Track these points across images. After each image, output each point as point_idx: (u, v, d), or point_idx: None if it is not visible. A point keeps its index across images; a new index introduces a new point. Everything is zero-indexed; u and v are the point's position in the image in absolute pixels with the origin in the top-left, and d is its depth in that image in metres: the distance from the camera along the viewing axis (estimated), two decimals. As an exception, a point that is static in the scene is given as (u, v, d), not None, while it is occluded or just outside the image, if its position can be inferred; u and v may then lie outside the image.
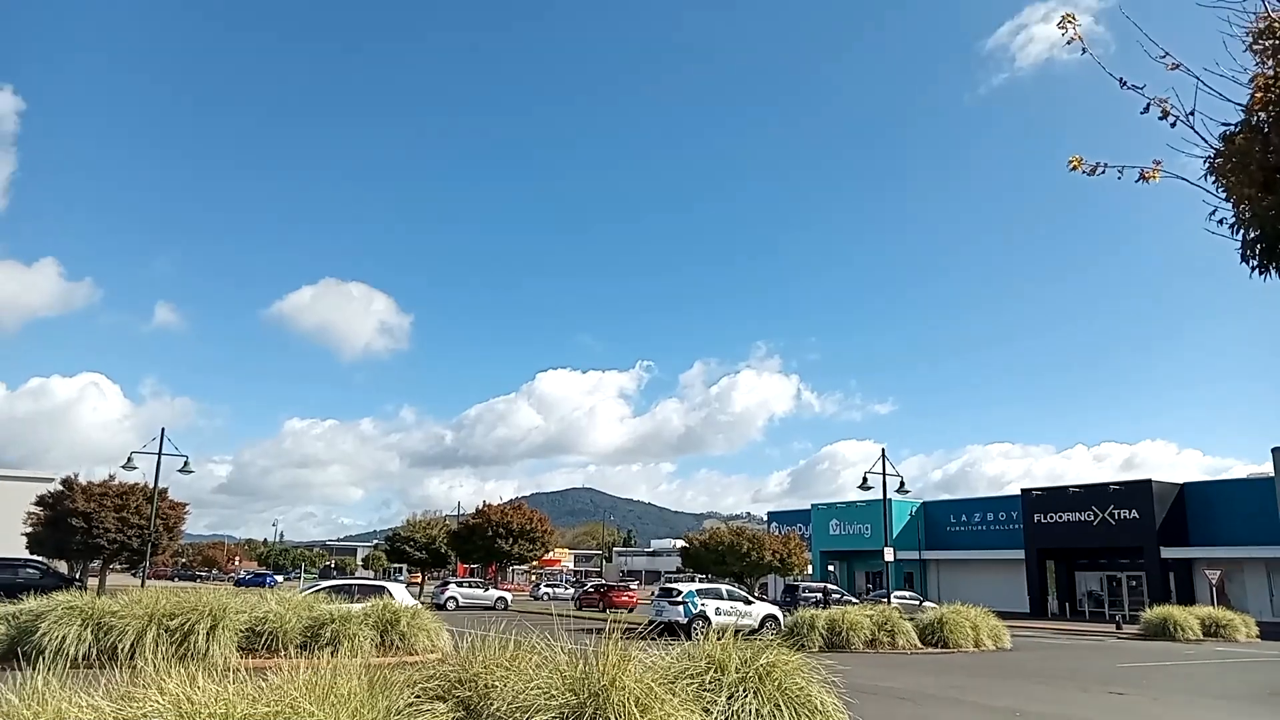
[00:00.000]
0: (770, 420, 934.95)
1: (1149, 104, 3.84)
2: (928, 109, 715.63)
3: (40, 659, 12.71)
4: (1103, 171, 3.99)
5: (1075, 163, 4.06)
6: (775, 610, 30.76)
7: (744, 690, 6.98)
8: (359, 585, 25.17)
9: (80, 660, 14.34)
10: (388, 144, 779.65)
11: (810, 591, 41.39)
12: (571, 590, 66.55)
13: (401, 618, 18.35)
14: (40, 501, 42.17)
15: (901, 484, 34.80)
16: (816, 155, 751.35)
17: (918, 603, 43.14)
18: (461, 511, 71.85)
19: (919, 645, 25.30)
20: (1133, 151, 4.55)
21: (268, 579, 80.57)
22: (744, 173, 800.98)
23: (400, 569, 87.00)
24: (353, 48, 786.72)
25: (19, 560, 39.13)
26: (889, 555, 34.97)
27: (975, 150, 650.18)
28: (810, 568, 62.68)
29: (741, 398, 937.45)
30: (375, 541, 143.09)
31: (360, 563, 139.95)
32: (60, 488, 42.03)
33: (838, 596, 40.48)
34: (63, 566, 44.48)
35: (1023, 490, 56.80)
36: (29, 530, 43.00)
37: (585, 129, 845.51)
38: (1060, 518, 53.24)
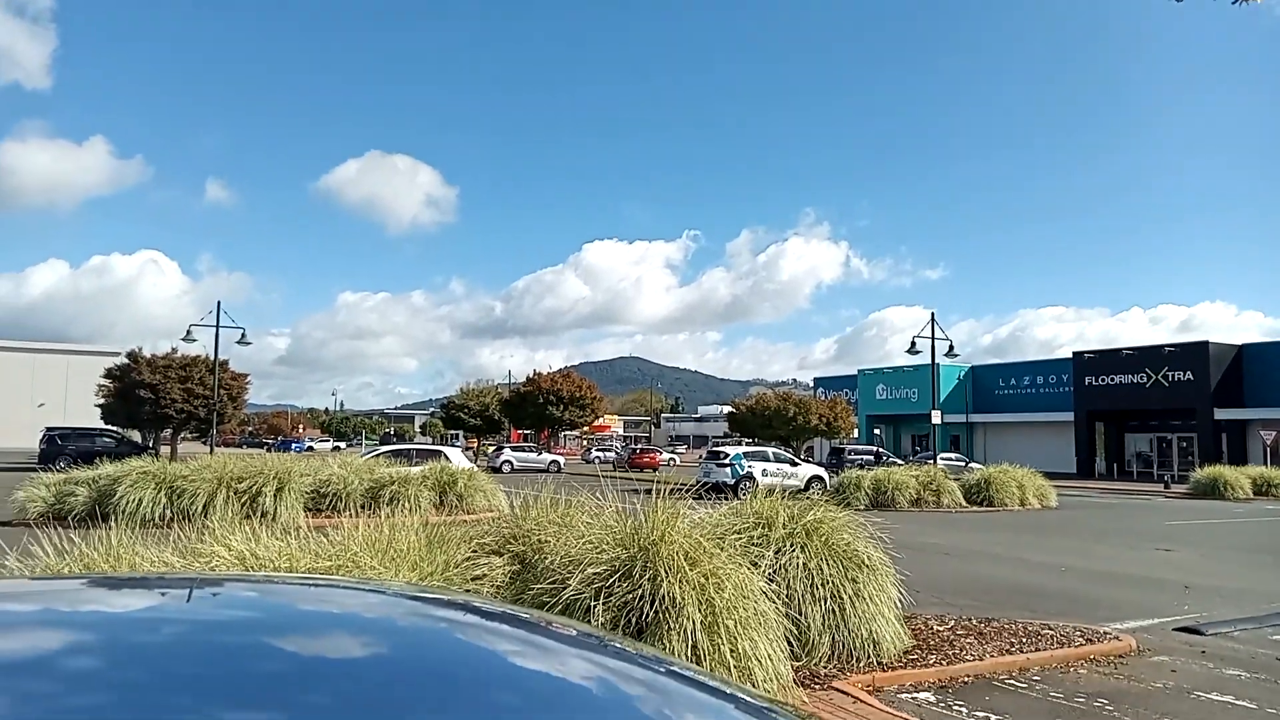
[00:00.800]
0: (818, 288, 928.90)
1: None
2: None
3: (119, 519, 13.44)
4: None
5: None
6: (821, 471, 31.24)
7: (791, 545, 7.09)
8: (417, 449, 26.00)
9: (156, 520, 15.11)
10: (428, 9, 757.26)
11: (856, 454, 41.88)
12: (623, 453, 68.27)
13: (459, 479, 18.97)
14: (109, 375, 43.81)
15: (950, 348, 34.46)
16: (873, 15, 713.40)
17: (964, 464, 43.47)
18: (513, 380, 73.24)
19: (964, 504, 25.60)
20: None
21: (296, 445, 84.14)
22: (796, 33, 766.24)
23: (457, 435, 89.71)
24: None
25: (95, 430, 41.08)
26: (936, 418, 35.01)
27: (1038, 10, 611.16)
28: (856, 432, 63.23)
29: (789, 265, 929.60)
30: (431, 410, 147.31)
31: (418, 430, 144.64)
32: (126, 361, 43.54)
33: (886, 458, 40.92)
34: (136, 436, 46.57)
35: (1074, 353, 56.07)
36: (101, 402, 44.88)
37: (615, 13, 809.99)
38: (1112, 380, 52.61)
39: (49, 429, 39.31)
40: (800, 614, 6.71)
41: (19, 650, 1.09)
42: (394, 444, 38.33)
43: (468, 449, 62.45)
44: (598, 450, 73.24)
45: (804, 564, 6.95)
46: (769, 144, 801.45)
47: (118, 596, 1.55)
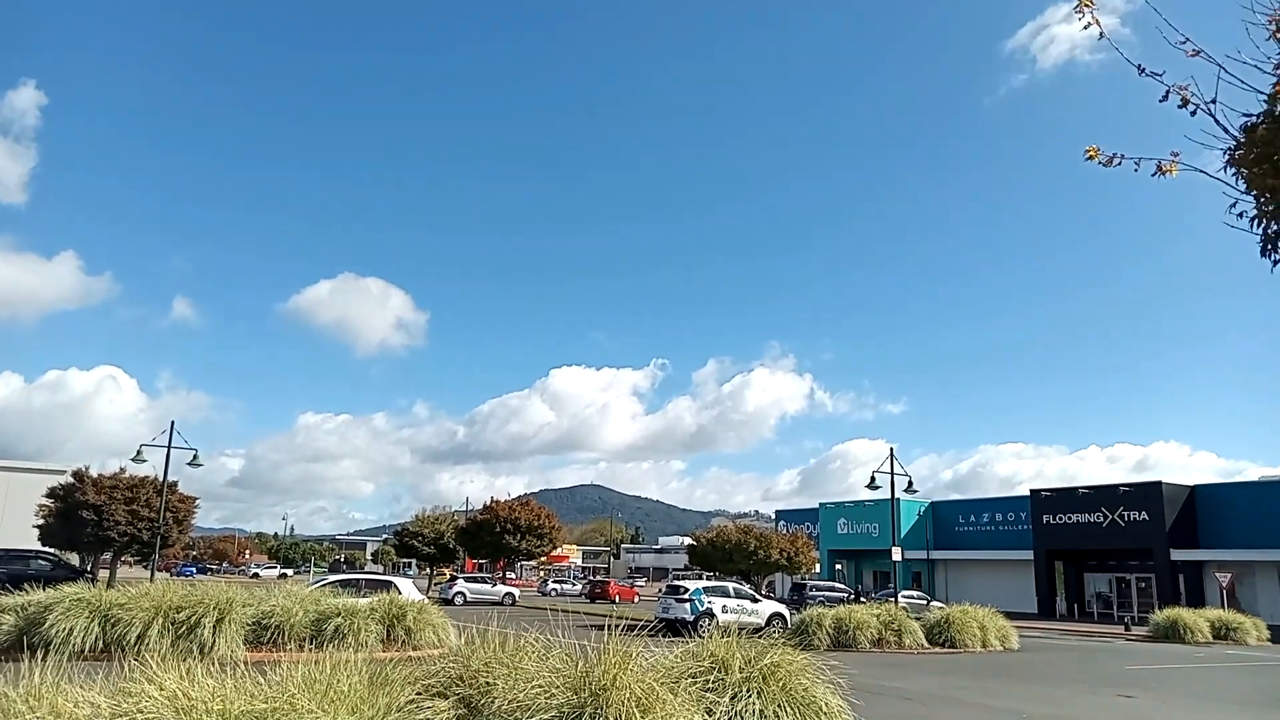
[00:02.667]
0: (782, 419, 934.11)
1: (1168, 91, 3.73)
2: (948, 112, 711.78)
3: (47, 651, 12.75)
4: (1119, 162, 3.89)
5: (1092, 153, 3.96)
6: (782, 609, 30.70)
7: (748, 691, 6.91)
8: (366, 579, 25.21)
9: (87, 652, 14.37)
10: (407, 143, 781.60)
11: (818, 590, 41.29)
12: (580, 587, 66.74)
13: (408, 612, 18.33)
14: (51, 494, 42.38)
15: (910, 483, 34.62)
16: (834, 159, 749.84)
17: (925, 602, 42.99)
18: (470, 507, 71.92)
19: (926, 645, 25.18)
20: (1153, 151, 4.46)
21: (189, 570, 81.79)
22: (761, 175, 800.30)
23: (409, 564, 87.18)
24: (370, 48, 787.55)
25: (30, 552, 39.34)
26: (896, 555, 34.80)
27: (994, 153, 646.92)
28: (818, 567, 62.53)
29: (754, 396, 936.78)
30: (385, 536, 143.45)
31: (370, 557, 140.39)
32: (71, 480, 42.24)
33: (845, 595, 40.37)
34: (74, 559, 44.70)
35: (1031, 491, 56.54)
36: (40, 522, 43.23)
37: (603, 130, 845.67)
38: (1069, 518, 52.97)
39: (-20, 550, 37.59)
40: (756, 765, 6.48)
41: None
42: (343, 573, 37.18)
43: (438, 580, 60.69)
44: (554, 582, 71.56)
45: (760, 711, 6.77)
46: (737, 278, 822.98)
47: None
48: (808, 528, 66.64)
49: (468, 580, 51.17)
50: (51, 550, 41.96)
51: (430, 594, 35.89)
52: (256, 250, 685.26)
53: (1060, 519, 53.37)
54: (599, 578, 69.19)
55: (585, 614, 8.03)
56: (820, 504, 70.77)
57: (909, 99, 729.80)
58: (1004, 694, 15.88)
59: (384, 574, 46.94)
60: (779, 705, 6.85)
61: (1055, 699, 15.45)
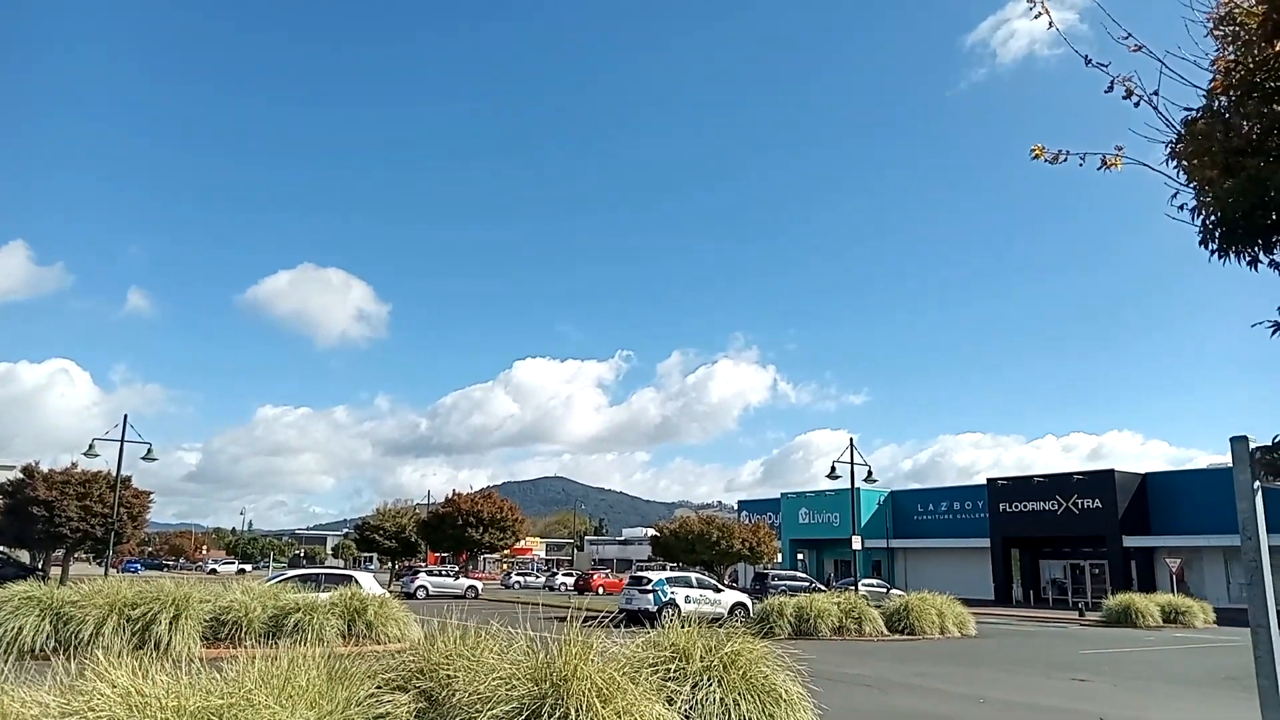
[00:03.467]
0: (745, 410, 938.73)
1: (1113, 82, 3.82)
2: (909, 105, 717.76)
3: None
4: (1065, 159, 3.99)
5: (1038, 151, 4.05)
6: (745, 598, 30.91)
7: (708, 679, 6.97)
8: (326, 574, 24.96)
9: (38, 651, 14.09)
10: (369, 130, 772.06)
11: (780, 579, 41.64)
12: (542, 579, 66.68)
13: (369, 606, 18.19)
14: (0, 490, 41.39)
15: (870, 473, 35.07)
16: (796, 151, 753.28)
17: (885, 590, 43.58)
18: (432, 500, 71.55)
19: (885, 632, 25.53)
20: (1106, 145, 4.56)
21: (133, 566, 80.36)
22: (724, 167, 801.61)
23: (370, 558, 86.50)
24: (331, 35, 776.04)
25: (-23, 550, 38.44)
26: (856, 544, 35.24)
27: (954, 146, 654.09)
28: (780, 556, 63.09)
29: (718, 387, 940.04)
30: (345, 530, 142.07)
31: (330, 552, 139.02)
32: (21, 476, 41.30)
33: (807, 584, 40.78)
34: (25, 556, 43.76)
35: (988, 480, 57.47)
36: (-12, 519, 42.18)
37: (565, 118, 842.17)
38: (1025, 507, 53.93)
39: (-74, 549, 36.66)
40: (717, 752, 6.54)
41: None
42: (303, 568, 36.71)
43: (400, 574, 60.29)
44: (517, 575, 71.43)
45: (721, 699, 6.83)
46: (701, 269, 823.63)
47: None
48: (770, 518, 67.19)
49: (430, 574, 50.86)
50: (1, 548, 41.00)
51: (392, 588, 35.65)
52: (214, 240, 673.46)
53: (1016, 507, 54.32)
54: (586, 571, 69.72)
55: (547, 606, 8.04)
56: (782, 494, 71.37)
57: (872, 91, 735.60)
58: (962, 679, 16.16)
59: (345, 569, 46.49)
60: (739, 693, 6.91)
61: (1012, 683, 15.76)
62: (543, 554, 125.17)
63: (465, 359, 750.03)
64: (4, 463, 71.62)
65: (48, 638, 14.84)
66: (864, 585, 38.54)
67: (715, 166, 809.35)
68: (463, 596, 46.45)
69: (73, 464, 41.15)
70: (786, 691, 7.22)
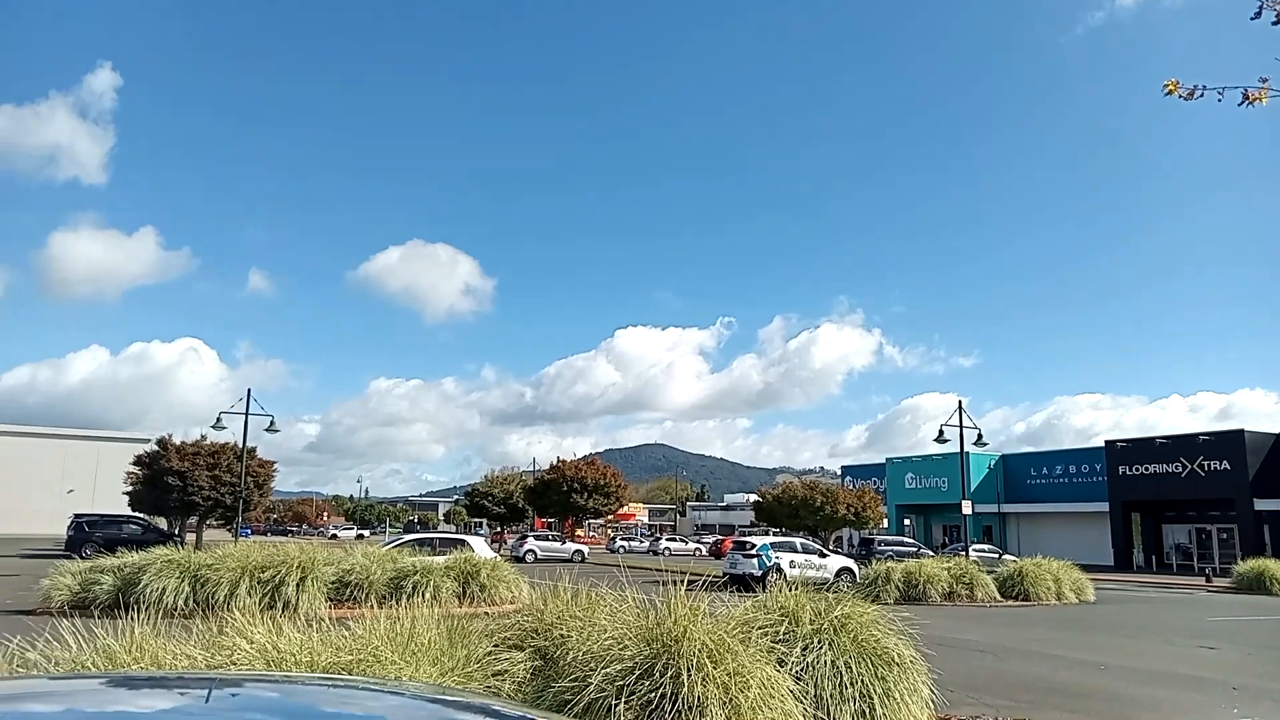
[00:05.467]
0: (849, 375, 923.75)
1: (1261, 7, 3.52)
2: (1023, 51, 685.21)
3: (142, 609, 13.40)
4: (1201, 94, 3.71)
5: (1171, 87, 3.78)
6: (850, 563, 30.62)
7: (819, 642, 6.93)
8: (440, 539, 25.86)
9: (178, 610, 15.04)
10: (474, 107, 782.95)
11: (887, 544, 41.08)
12: (646, 544, 67.54)
13: (481, 569, 18.77)
14: (138, 461, 44.24)
15: (980, 436, 34.04)
16: (905, 103, 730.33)
17: (997, 556, 42.45)
18: (538, 468, 73.09)
19: (998, 598, 24.92)
20: (1240, 83, 4.22)
21: (245, 532, 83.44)
22: (830, 123, 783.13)
23: (481, 523, 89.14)
24: (434, 9, 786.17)
25: (122, 516, 41.26)
26: (966, 508, 34.35)
27: (1072, 93, 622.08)
28: (886, 522, 62.20)
29: (821, 352, 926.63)
30: (456, 497, 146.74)
31: (442, 517, 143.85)
32: (156, 448, 44.00)
33: (915, 549, 40.11)
34: (162, 523, 46.73)
35: (1107, 442, 55.18)
36: (130, 489, 45.21)
37: (664, 83, 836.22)
38: (1147, 469, 51.60)
39: (77, 516, 39.54)
40: (828, 715, 6.52)
41: None
42: (418, 533, 38.07)
43: (494, 540, 62.17)
44: (621, 540, 72.49)
45: (832, 662, 6.79)
46: (804, 231, 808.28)
47: (139, 698, 1.55)
48: (875, 483, 66.17)
49: (537, 538, 52.06)
50: (141, 515, 43.89)
51: (501, 552, 36.64)
52: (326, 220, 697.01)
53: (1137, 470, 52.03)
54: (718, 537, 70.52)
55: (653, 570, 8.12)
56: (887, 459, 70.16)
57: (982, 41, 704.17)
58: (1081, 646, 15.65)
59: (456, 533, 48.01)
60: (850, 656, 6.86)
61: (1134, 650, 15.19)
62: (645, 519, 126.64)
63: (568, 329, 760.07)
64: (141, 436, 76.46)
65: (187, 598, 15.82)
66: (974, 550, 37.66)
67: (813, 126, 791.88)
68: (570, 560, 47.43)
69: (202, 436, 43.58)
70: (899, 655, 7.13)
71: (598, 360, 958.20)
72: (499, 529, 71.83)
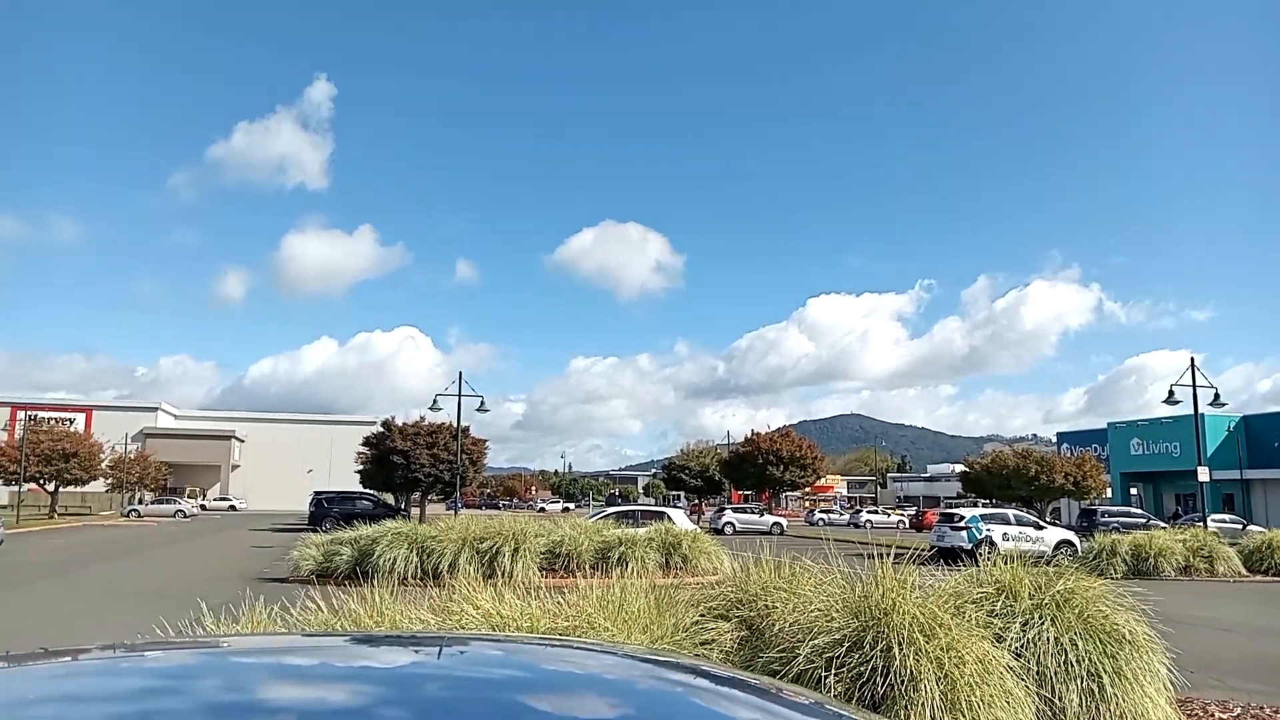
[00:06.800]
0: (1064, 334, 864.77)
1: None
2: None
3: (376, 577, 14.65)
4: None
5: None
6: (1070, 536, 28.83)
7: (1039, 617, 6.57)
8: (642, 511, 26.57)
9: (408, 578, 16.31)
10: (655, 98, 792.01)
11: (1110, 515, 38.34)
12: (846, 516, 66.45)
13: (682, 541, 19.16)
14: (366, 442, 48.20)
15: (1216, 396, 30.99)
16: (1116, 39, 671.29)
17: (1240, 527, 38.65)
18: (732, 440, 73.39)
19: (1244, 573, 22.73)
20: None
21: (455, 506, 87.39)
22: (1032, 64, 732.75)
23: (678, 496, 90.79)
24: (615, 11, 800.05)
25: (355, 493, 45.18)
26: (1203, 474, 31.41)
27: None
28: (1108, 491, 58.02)
29: (1031, 312, 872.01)
30: (654, 471, 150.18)
31: (641, 491, 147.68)
32: (381, 429, 47.75)
33: (1144, 520, 37.17)
34: (389, 498, 50.74)
35: (1376, 398, 48.75)
36: (360, 468, 49.35)
37: (848, 54, 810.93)
38: None
39: (316, 493, 43.66)
40: (1053, 694, 6.19)
41: (311, 700, 1.26)
42: (619, 505, 39.31)
43: (693, 512, 63.22)
44: (820, 512, 71.67)
45: (1055, 639, 6.42)
46: (1009, 180, 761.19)
47: (380, 652, 1.74)
48: (1095, 450, 61.78)
49: (735, 511, 52.42)
50: (370, 491, 47.85)
51: (700, 525, 37.19)
52: (523, 208, 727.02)
53: None
54: (919, 509, 69.14)
55: (854, 542, 7.99)
56: (1109, 424, 65.35)
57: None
58: (1347, 627, 14.01)
59: (655, 506, 49.15)
60: (1075, 633, 6.46)
61: None
62: (844, 491, 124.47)
63: (758, 300, 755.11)
64: (367, 419, 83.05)
65: (415, 568, 17.14)
66: (1214, 521, 34.43)
67: (1013, 69, 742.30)
68: (768, 533, 47.43)
69: (421, 418, 46.88)
70: (1130, 632, 6.64)
71: (789, 330, 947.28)
72: (695, 501, 72.82)
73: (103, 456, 59.72)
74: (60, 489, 56.84)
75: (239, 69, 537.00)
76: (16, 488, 53.03)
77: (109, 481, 66.45)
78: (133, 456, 70.11)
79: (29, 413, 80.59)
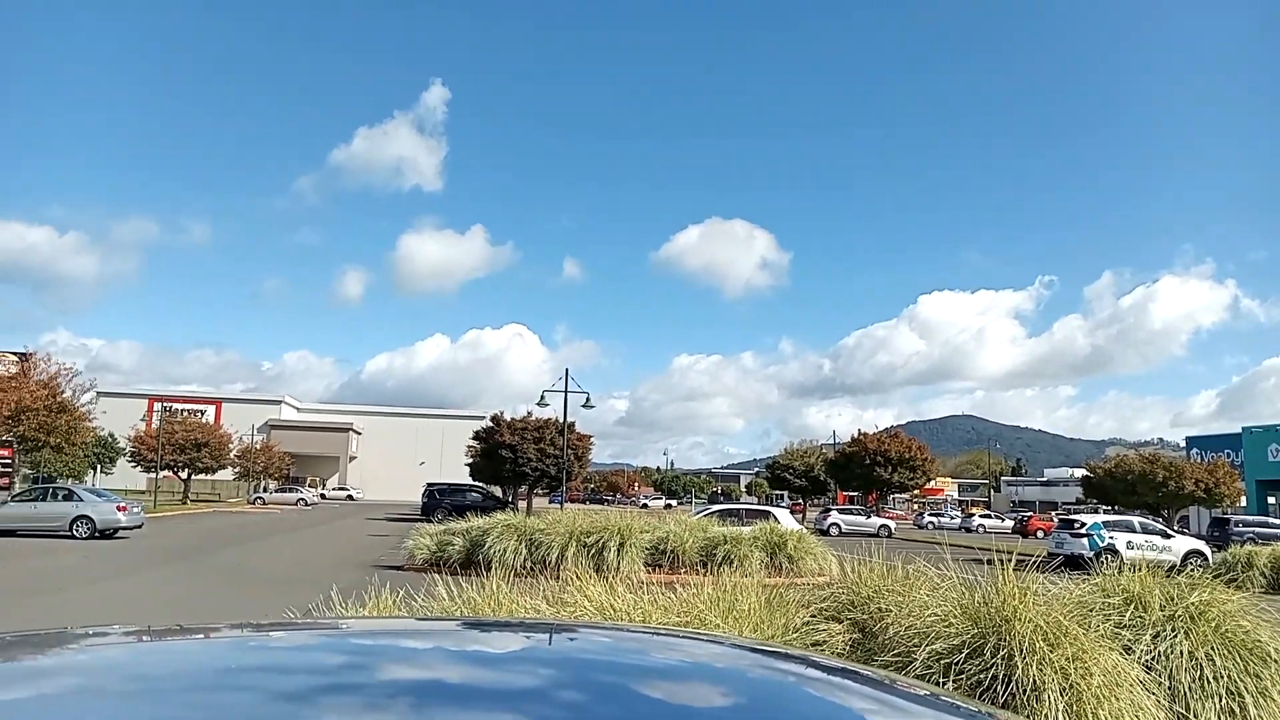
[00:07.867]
0: (1196, 334, 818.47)
1: None
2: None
3: (487, 567, 15.03)
4: None
5: None
6: (1201, 545, 27.32)
7: (1172, 630, 6.25)
8: (746, 510, 26.45)
9: (518, 569, 16.66)
10: (762, 93, 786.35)
11: (1246, 525, 36.11)
12: (958, 520, 64.55)
13: (788, 541, 18.96)
14: (476, 436, 49.48)
15: (1370, 401, 28.80)
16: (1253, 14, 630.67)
17: (1399, 542, 35.80)
18: (837, 440, 72.26)
19: (1403, 592, 21.02)
20: None
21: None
22: (1155, 48, 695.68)
23: (781, 495, 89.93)
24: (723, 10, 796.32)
25: (466, 485, 46.48)
26: (1354, 485, 29.22)
27: None
28: (1243, 499, 54.61)
29: (1160, 309, 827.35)
30: (757, 469, 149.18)
31: (744, 489, 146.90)
32: (490, 424, 48.93)
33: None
34: (498, 491, 51.98)
35: None
36: (470, 461, 50.69)
37: (961, 38, 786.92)
38: None
39: (429, 485, 45.12)
40: (1187, 710, 5.88)
41: (428, 680, 1.33)
42: (722, 503, 39.26)
43: (795, 512, 62.53)
44: (930, 515, 69.83)
45: (1189, 652, 6.10)
46: (1135, 172, 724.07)
47: (491, 637, 1.82)
48: (1229, 456, 58.20)
49: (841, 512, 51.58)
50: (480, 484, 49.10)
51: (805, 525, 36.77)
52: (630, 205, 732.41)
53: None
54: (1025, 514, 66.92)
55: (966, 547, 7.77)
56: (1244, 428, 61.44)
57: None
58: None
59: (757, 505, 48.83)
60: (1211, 647, 6.12)
61: None
62: (955, 495, 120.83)
63: (866, 298, 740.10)
64: (477, 413, 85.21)
65: (524, 559, 17.50)
66: (1365, 535, 32.01)
67: (1133, 50, 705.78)
68: (875, 535, 46.38)
69: (528, 413, 47.83)
70: (1277, 650, 6.25)
71: (899, 328, 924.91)
72: (798, 501, 71.95)
73: (231, 446, 63.20)
74: (192, 476, 60.32)
75: (359, 77, 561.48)
76: (154, 475, 56.60)
77: (236, 470, 70.13)
78: (258, 447, 73.81)
79: (165, 404, 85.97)
